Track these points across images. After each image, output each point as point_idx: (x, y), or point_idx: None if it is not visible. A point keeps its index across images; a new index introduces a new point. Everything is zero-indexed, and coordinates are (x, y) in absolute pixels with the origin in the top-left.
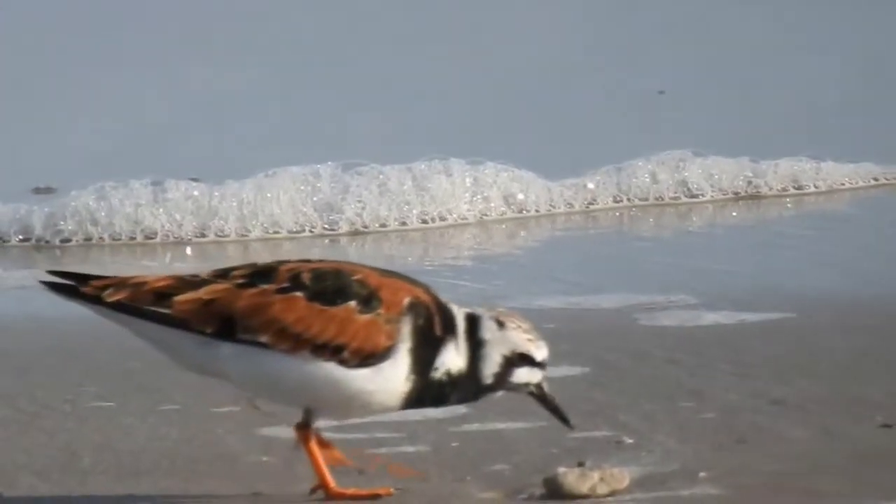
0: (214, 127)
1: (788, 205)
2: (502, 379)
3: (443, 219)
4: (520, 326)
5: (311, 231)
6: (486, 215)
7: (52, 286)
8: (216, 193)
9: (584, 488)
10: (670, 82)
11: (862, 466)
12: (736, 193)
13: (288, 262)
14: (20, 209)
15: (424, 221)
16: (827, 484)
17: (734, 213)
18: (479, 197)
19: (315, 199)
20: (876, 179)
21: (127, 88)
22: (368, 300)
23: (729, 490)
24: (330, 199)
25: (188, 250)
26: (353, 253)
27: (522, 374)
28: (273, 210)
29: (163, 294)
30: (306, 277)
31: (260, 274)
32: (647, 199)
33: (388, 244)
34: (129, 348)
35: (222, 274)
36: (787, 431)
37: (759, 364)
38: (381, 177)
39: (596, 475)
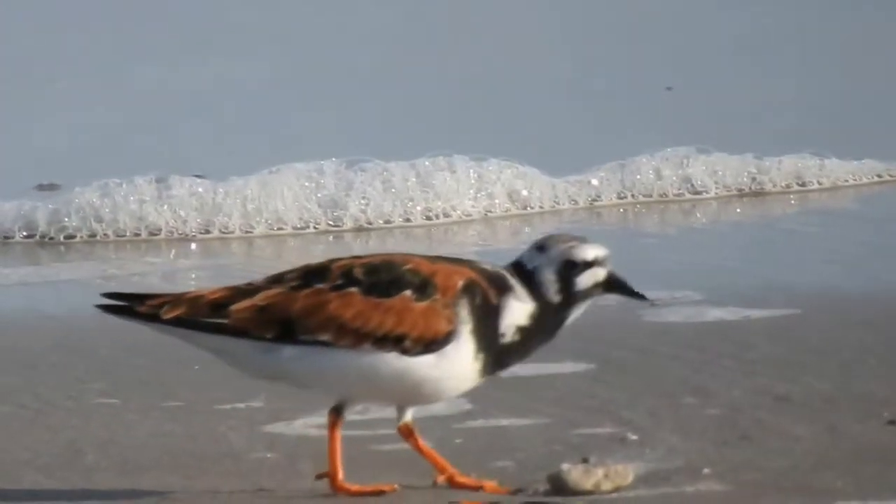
0: (218, 123)
1: (792, 201)
2: (568, 292)
3: (447, 215)
4: (559, 240)
5: (315, 227)
6: (490, 212)
7: (108, 308)
8: (220, 190)
9: (588, 485)
10: (676, 79)
11: (867, 463)
12: (740, 190)
13: (339, 259)
14: (24, 205)
15: (429, 218)
16: (831, 481)
17: (738, 210)
18: (483, 193)
19: (319, 195)
20: (879, 176)
21: (131, 84)
22: (423, 287)
23: (733, 487)
24: (334, 195)
25: (193, 247)
26: (357, 249)
27: (586, 279)
28: (277, 206)
29: (219, 305)
30: (359, 272)
31: (313, 274)
32: (651, 196)
33: (392, 241)
34: (134, 345)
35: (276, 279)
36: (792, 428)
37: (764, 360)
38: (384, 173)
39: (600, 472)
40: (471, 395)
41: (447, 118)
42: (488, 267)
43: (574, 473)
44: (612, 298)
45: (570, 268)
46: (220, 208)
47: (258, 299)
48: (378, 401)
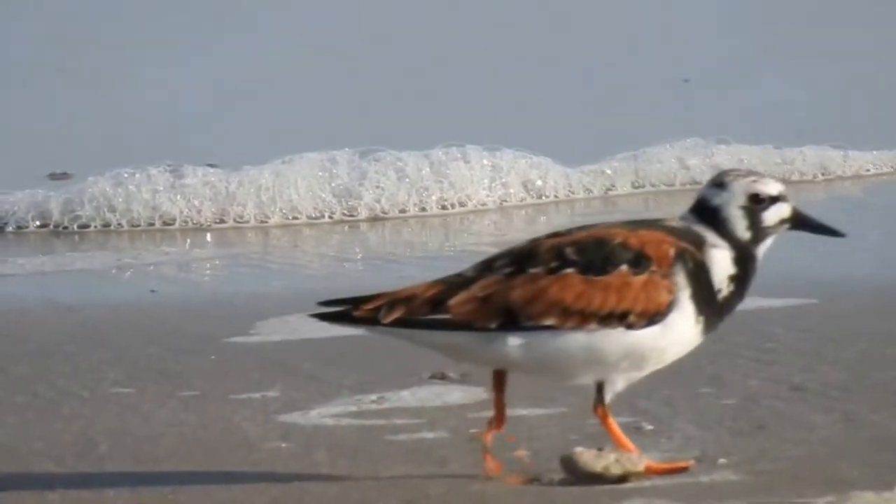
0: (230, 113)
1: (811, 191)
2: (757, 227)
3: (462, 205)
4: (738, 174)
5: (330, 217)
6: (505, 201)
7: (324, 315)
8: (234, 179)
9: (597, 467)
10: (695, 71)
11: (883, 452)
12: None
13: (542, 239)
14: (37, 195)
15: (444, 207)
16: (847, 470)
17: None
18: (497, 183)
19: (333, 184)
20: None
21: (143, 74)
22: (638, 261)
23: (748, 476)
24: (348, 185)
25: (208, 236)
26: (373, 239)
27: (771, 215)
28: (292, 196)
29: (436, 301)
30: (570, 252)
31: (523, 258)
32: (671, 185)
33: (408, 230)
34: (149, 334)
35: (485, 267)
36: (808, 417)
37: (781, 350)
38: (398, 163)
39: (611, 456)
40: (487, 384)
41: (459, 108)
42: (674, 223)
43: (585, 455)
44: None
45: (756, 202)
46: (235, 198)
47: (475, 290)
48: (602, 377)
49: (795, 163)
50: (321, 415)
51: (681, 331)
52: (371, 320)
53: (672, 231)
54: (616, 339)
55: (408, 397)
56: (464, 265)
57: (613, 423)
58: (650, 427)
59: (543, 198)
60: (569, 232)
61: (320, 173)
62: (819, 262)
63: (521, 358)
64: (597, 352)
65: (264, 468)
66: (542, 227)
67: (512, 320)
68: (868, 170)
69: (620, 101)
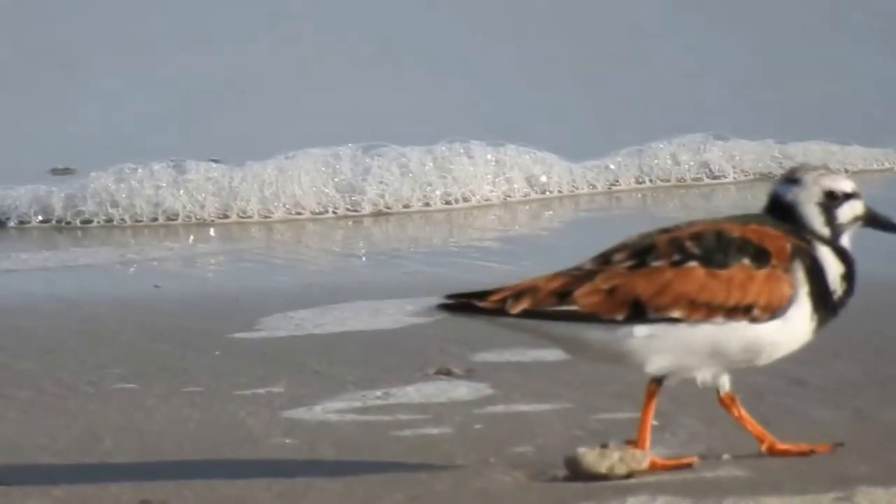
0: (233, 108)
1: None
2: (834, 224)
3: (466, 200)
4: (811, 170)
5: (334, 212)
6: (509, 196)
7: (449, 307)
8: (237, 175)
9: (602, 468)
10: (695, 66)
11: (891, 449)
12: (762, 175)
13: (655, 235)
14: (39, 190)
15: (447, 202)
16: (854, 466)
17: (758, 195)
18: (501, 178)
19: (336, 180)
20: None
21: (146, 69)
22: (758, 256)
23: (754, 472)
24: (351, 180)
25: (211, 232)
26: (377, 234)
27: (846, 212)
28: (295, 191)
29: (561, 293)
30: (691, 246)
31: (643, 251)
32: (678, 180)
33: (412, 225)
34: (153, 330)
35: (604, 261)
36: (815, 413)
37: None
38: (402, 158)
39: (615, 455)
40: (492, 380)
41: (462, 103)
42: (770, 220)
43: (589, 456)
44: None
45: (831, 198)
46: (238, 193)
47: (600, 283)
48: (716, 369)
49: (796, 158)
50: (326, 410)
51: (797, 326)
52: (497, 311)
53: (779, 227)
54: (739, 332)
55: (413, 393)
56: (468, 260)
57: (653, 405)
58: (655, 422)
59: (547, 193)
60: (678, 227)
61: (324, 168)
62: None
63: (646, 349)
64: (720, 344)
65: (269, 464)
66: (546, 222)
67: (638, 312)
68: (872, 166)
69: (624, 96)
